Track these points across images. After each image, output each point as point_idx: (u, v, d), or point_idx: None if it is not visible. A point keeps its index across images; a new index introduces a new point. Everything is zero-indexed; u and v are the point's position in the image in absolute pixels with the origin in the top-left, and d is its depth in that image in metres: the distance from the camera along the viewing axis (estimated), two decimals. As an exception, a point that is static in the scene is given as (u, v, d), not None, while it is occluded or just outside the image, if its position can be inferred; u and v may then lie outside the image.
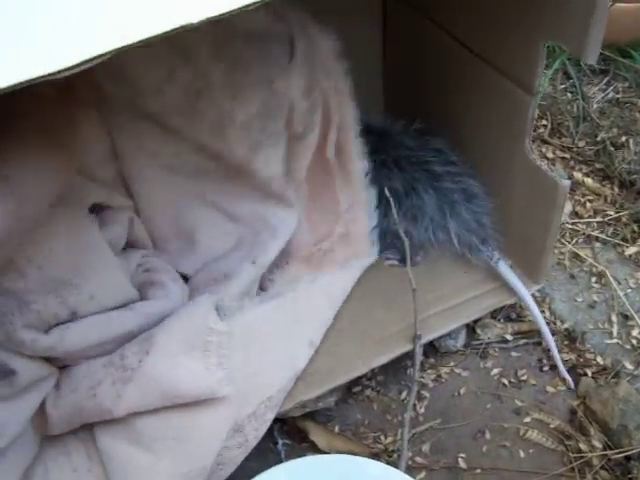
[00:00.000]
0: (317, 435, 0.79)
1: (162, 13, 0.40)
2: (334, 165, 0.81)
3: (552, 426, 0.80)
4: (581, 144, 1.09)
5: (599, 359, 0.85)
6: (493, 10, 0.71)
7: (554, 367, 0.85)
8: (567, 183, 0.72)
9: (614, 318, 0.88)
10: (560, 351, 0.85)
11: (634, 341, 0.86)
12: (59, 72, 0.36)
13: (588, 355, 0.85)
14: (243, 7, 0.41)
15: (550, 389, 0.83)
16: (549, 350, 0.86)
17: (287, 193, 0.79)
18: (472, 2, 0.74)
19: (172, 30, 0.40)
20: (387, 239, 0.85)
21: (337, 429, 0.81)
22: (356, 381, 0.83)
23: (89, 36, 0.38)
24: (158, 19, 0.40)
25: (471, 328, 0.88)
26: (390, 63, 0.98)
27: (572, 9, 0.59)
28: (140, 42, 0.38)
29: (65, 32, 0.39)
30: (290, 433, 0.81)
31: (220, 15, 0.41)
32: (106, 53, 0.37)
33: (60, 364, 0.71)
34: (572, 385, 0.82)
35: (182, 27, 0.40)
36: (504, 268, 0.83)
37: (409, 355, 0.79)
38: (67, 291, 0.69)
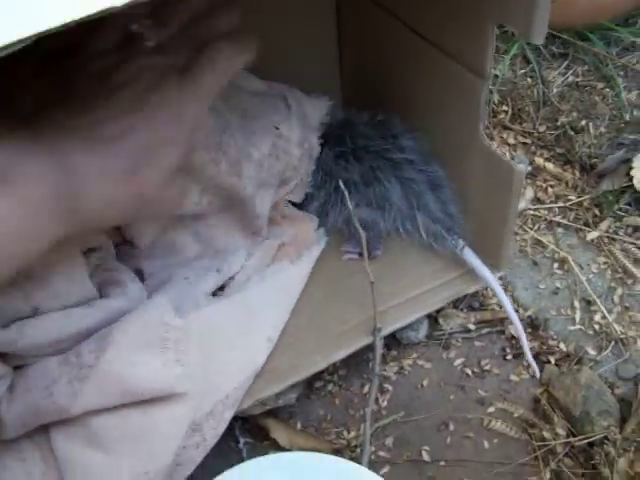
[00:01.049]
0: (278, 433, 0.78)
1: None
2: None
3: (516, 415, 0.79)
4: (542, 129, 1.08)
5: (562, 346, 0.84)
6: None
7: (517, 356, 0.84)
8: (522, 168, 0.71)
9: (577, 304, 0.88)
10: (523, 339, 0.85)
11: (596, 326, 0.85)
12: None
13: (551, 342, 0.84)
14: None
15: (514, 378, 0.83)
16: (512, 338, 0.86)
17: (262, 231, 0.84)
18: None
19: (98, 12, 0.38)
20: (347, 230, 0.84)
21: (299, 425, 0.80)
22: (317, 376, 0.82)
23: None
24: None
25: (433, 319, 0.87)
26: (345, 52, 0.96)
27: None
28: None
29: None
30: (252, 431, 0.80)
31: None
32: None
33: (15, 363, 0.69)
34: (537, 373, 0.81)
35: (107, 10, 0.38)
36: (470, 255, 0.81)
37: (371, 348, 0.77)
38: (32, 286, 0.67)
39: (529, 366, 0.82)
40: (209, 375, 0.71)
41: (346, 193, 0.73)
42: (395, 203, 0.80)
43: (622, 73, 1.13)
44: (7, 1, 0.34)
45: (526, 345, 0.80)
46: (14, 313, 0.66)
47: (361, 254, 0.79)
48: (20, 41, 0.32)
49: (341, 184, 0.74)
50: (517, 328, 0.80)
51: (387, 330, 0.78)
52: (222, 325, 0.75)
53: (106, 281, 0.75)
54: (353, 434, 0.79)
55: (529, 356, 0.80)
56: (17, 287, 0.66)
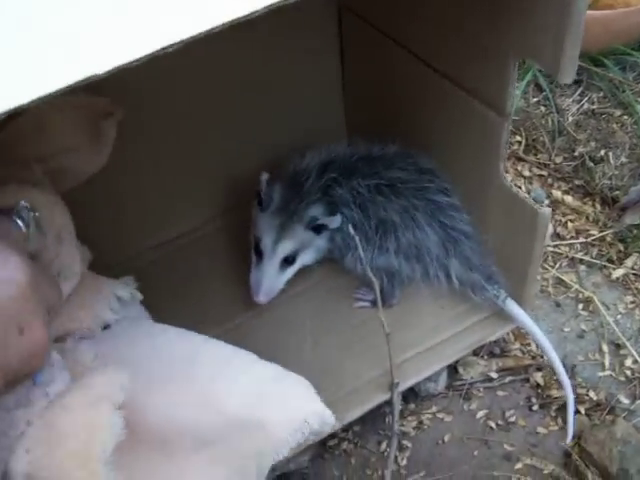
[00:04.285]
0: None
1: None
2: None
3: (546, 472, 0.74)
4: (558, 160, 1.03)
5: (592, 394, 0.79)
6: (456, 26, 0.65)
7: (544, 406, 0.79)
8: (548, 211, 0.66)
9: (605, 348, 0.82)
10: (550, 387, 0.79)
11: (628, 372, 0.80)
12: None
13: (580, 390, 0.79)
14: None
15: (541, 430, 0.77)
16: (538, 387, 0.80)
17: None
18: (433, 17, 0.68)
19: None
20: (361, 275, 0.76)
21: (312, 489, 0.75)
22: (331, 434, 0.76)
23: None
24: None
25: (452, 367, 0.81)
26: (350, 83, 0.91)
27: (544, 23, 0.54)
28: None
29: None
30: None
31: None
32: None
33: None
34: (569, 439, 0.75)
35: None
36: (513, 307, 0.76)
37: (387, 402, 0.72)
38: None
39: (557, 417, 0.77)
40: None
41: (357, 240, 0.68)
42: (432, 251, 0.74)
43: (640, 99, 1.08)
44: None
45: (572, 412, 0.75)
46: None
47: (374, 302, 0.73)
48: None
49: (351, 230, 0.69)
50: (567, 394, 0.75)
51: (405, 385, 0.73)
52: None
53: None
54: (371, 497, 0.73)
55: (571, 425, 0.75)
56: None
